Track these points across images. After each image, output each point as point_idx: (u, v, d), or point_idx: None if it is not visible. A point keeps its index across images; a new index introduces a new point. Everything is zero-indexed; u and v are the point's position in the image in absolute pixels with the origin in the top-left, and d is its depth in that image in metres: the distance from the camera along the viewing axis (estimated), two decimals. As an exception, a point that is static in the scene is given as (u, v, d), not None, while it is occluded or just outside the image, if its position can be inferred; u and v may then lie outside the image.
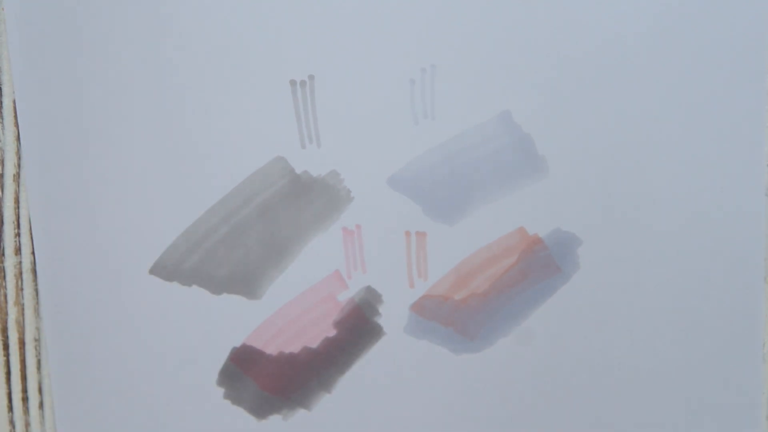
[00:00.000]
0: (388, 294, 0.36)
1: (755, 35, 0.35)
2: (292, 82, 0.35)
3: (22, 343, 0.36)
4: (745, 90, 0.35)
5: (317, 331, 0.36)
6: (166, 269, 0.35)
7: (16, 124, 0.35)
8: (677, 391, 0.36)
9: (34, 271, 0.36)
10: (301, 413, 0.36)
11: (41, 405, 0.36)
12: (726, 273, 0.36)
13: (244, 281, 0.35)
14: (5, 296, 0.36)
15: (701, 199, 0.36)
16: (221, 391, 0.36)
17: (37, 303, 0.36)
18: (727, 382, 0.36)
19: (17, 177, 0.35)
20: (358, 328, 0.36)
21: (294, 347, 0.36)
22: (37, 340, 0.36)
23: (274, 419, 0.36)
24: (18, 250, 0.36)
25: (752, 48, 0.35)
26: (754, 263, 0.36)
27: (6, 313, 0.36)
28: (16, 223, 0.36)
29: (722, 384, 0.36)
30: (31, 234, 0.35)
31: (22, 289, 0.36)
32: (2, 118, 0.35)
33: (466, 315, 0.36)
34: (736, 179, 0.36)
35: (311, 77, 0.35)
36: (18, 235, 0.36)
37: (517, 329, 0.36)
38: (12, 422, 0.36)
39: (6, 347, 0.36)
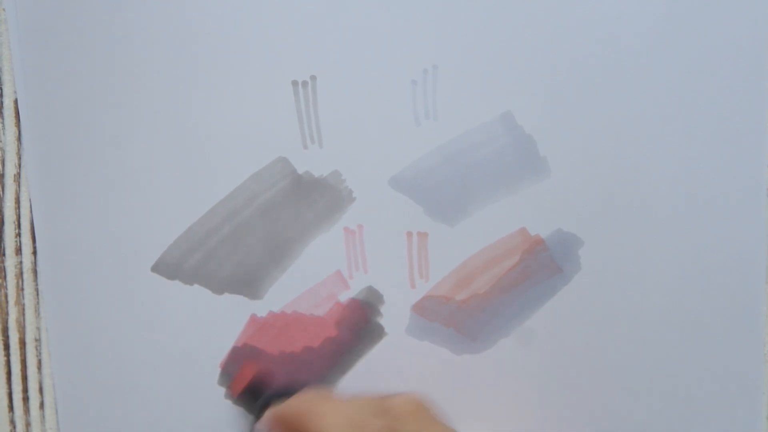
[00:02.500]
0: (390, 294, 0.36)
1: (756, 35, 0.35)
2: (294, 83, 0.35)
3: (22, 343, 0.36)
4: (746, 90, 0.35)
5: (318, 331, 0.36)
6: (168, 268, 0.35)
7: (17, 124, 0.35)
8: (677, 391, 0.36)
9: (35, 271, 0.36)
10: (302, 413, 0.36)
11: (42, 405, 0.36)
12: (727, 273, 0.36)
13: (246, 281, 0.35)
14: (6, 296, 0.36)
15: (701, 200, 0.36)
16: (222, 390, 0.36)
17: (38, 303, 0.36)
18: (728, 383, 0.36)
19: (18, 177, 0.35)
20: (359, 328, 0.36)
21: (295, 347, 0.36)
22: (38, 340, 0.36)
23: (276, 419, 0.36)
24: (18, 250, 0.36)
25: (753, 48, 0.35)
26: (755, 264, 0.36)
27: (7, 313, 0.36)
28: (16, 223, 0.36)
29: (722, 384, 0.36)
30: (31, 234, 0.35)
31: (22, 289, 0.36)
32: (3, 118, 0.35)
33: (467, 315, 0.36)
34: (736, 179, 0.36)
35: (313, 78, 0.35)
36: (18, 235, 0.36)
37: (519, 330, 0.36)
38: (13, 422, 0.36)
39: (7, 347, 0.36)
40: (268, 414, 0.32)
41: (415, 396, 0.30)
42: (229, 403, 0.36)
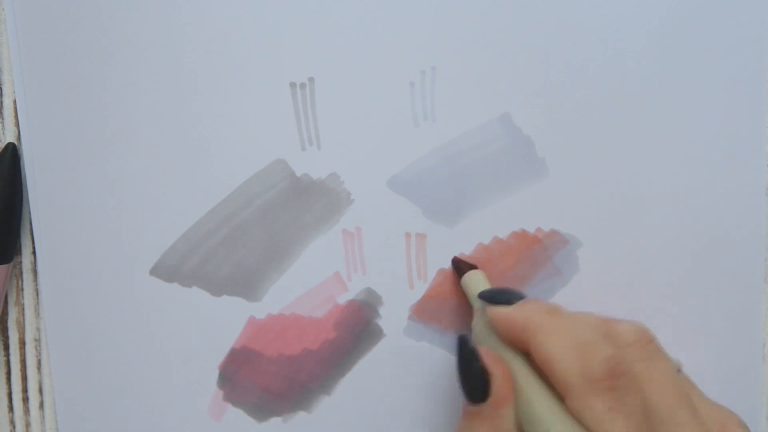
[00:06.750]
0: (388, 296, 0.36)
1: (755, 35, 0.35)
2: (293, 85, 0.35)
3: (22, 343, 0.36)
4: (745, 90, 0.35)
5: (317, 333, 0.36)
6: (166, 270, 0.35)
7: (17, 124, 0.35)
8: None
9: (35, 272, 0.36)
10: (300, 416, 0.36)
11: (41, 405, 0.36)
12: (726, 273, 0.36)
13: (244, 283, 0.35)
14: (5, 296, 0.36)
15: (701, 200, 0.36)
16: (221, 393, 0.36)
17: (38, 303, 0.36)
18: (727, 382, 0.36)
19: (17, 177, 0.35)
20: (357, 330, 0.36)
21: (294, 349, 0.36)
22: (38, 341, 0.36)
23: (274, 422, 0.36)
24: (18, 251, 0.36)
25: (752, 48, 0.35)
26: (755, 263, 0.36)
27: (6, 314, 0.36)
28: (16, 223, 0.36)
29: (722, 384, 0.36)
30: (31, 234, 0.35)
31: (22, 289, 0.36)
32: (2, 118, 0.35)
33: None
34: (736, 179, 0.36)
35: (311, 79, 0.35)
36: (18, 235, 0.36)
37: (517, 331, 0.36)
38: (12, 422, 0.36)
39: (6, 347, 0.36)
40: (496, 312, 0.30)
41: (641, 326, 0.28)
42: (228, 405, 0.36)
